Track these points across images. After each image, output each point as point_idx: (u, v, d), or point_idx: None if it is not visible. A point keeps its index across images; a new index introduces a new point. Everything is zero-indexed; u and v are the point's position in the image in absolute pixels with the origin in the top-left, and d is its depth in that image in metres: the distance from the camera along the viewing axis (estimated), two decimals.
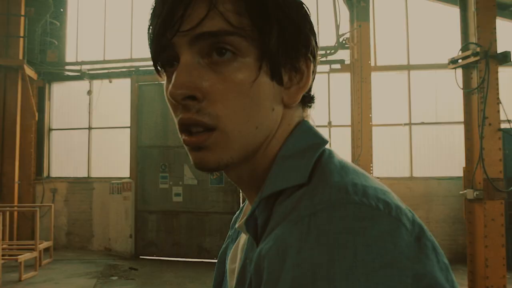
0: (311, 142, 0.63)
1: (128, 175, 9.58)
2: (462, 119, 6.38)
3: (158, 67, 0.63)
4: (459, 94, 6.50)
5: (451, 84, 6.45)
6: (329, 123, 9.29)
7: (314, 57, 0.66)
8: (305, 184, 0.56)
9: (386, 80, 9.31)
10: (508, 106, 8.61)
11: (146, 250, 9.28)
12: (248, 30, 0.57)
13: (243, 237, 0.72)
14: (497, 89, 5.85)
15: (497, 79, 5.88)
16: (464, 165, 6.16)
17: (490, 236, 5.55)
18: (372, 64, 9.14)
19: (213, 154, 0.60)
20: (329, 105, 9.35)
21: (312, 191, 0.54)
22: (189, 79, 0.57)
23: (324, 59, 9.27)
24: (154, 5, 0.61)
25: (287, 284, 0.46)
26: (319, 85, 9.17)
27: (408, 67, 9.24)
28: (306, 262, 0.46)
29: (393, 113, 9.24)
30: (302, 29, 0.63)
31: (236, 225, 0.75)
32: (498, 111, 5.84)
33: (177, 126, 0.61)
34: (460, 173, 7.51)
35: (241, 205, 0.81)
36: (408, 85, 9.23)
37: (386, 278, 0.45)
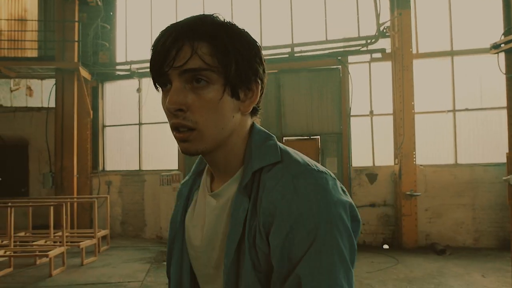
0: (266, 136, 0.99)
1: (176, 167, 10.08)
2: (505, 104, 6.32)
3: (157, 85, 0.95)
4: (504, 79, 6.43)
5: (495, 69, 6.38)
6: (371, 112, 9.33)
7: (262, 80, 0.97)
8: (280, 161, 0.92)
9: (428, 67, 9.21)
10: None
11: None
12: (217, 66, 0.88)
13: (203, 201, 1.02)
14: None
15: None
16: (507, 151, 6.11)
17: None
18: (414, 51, 9.08)
19: (193, 145, 0.91)
20: (370, 94, 9.38)
21: (288, 165, 0.91)
22: (177, 99, 0.88)
23: (364, 48, 9.31)
24: (155, 44, 0.91)
25: (294, 215, 0.83)
26: (360, 75, 9.28)
27: (451, 53, 9.09)
28: (301, 204, 0.84)
29: (436, 100, 9.14)
30: (252, 63, 0.93)
31: (211, 192, 1.01)
32: None
33: (171, 127, 0.93)
34: (505, 159, 7.41)
35: (185, 178, 1.13)
36: (451, 71, 9.09)
37: (342, 205, 0.85)
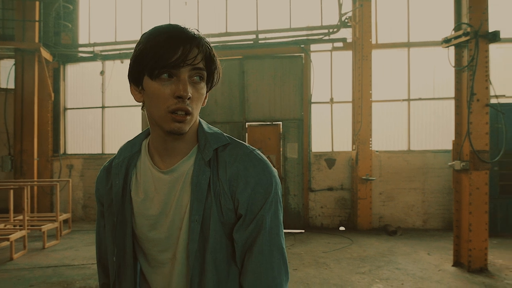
0: (208, 124, 1.27)
1: None
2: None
3: (156, 71, 1.12)
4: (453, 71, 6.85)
5: (447, 61, 6.77)
6: (331, 99, 9.68)
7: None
8: (229, 143, 1.17)
9: (386, 57, 9.62)
10: (503, 82, 8.97)
11: None
12: (205, 69, 1.16)
13: (150, 178, 1.22)
14: (486, 67, 6.20)
15: (486, 57, 6.22)
16: (453, 138, 6.57)
17: (475, 203, 6.01)
18: (373, 42, 9.45)
19: (185, 126, 1.15)
20: (331, 82, 9.71)
21: (238, 146, 1.17)
22: (188, 89, 1.12)
23: (327, 37, 9.60)
24: (162, 40, 1.10)
25: (254, 180, 1.15)
26: (322, 63, 9.56)
27: (408, 45, 9.53)
28: (258, 173, 1.13)
29: (392, 89, 9.58)
30: (219, 70, 1.21)
31: (162, 170, 1.22)
32: (487, 88, 6.20)
33: (169, 109, 1.12)
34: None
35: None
36: (407, 62, 9.54)
37: (276, 174, 1.13)
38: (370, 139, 9.13)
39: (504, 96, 8.64)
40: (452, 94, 8.72)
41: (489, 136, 6.18)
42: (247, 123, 9.67)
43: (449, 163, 6.57)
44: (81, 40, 10.89)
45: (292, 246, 7.68)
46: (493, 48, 8.28)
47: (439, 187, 9.11)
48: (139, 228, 1.23)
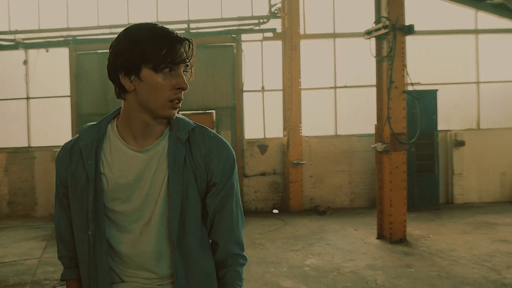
0: None
1: None
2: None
3: (162, 66, 1.31)
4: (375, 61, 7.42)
5: (369, 52, 7.33)
6: (263, 87, 10.01)
7: None
8: (197, 126, 1.40)
9: (314, 47, 10.12)
10: (418, 71, 9.81)
11: None
12: None
13: (123, 156, 1.39)
14: (403, 57, 6.82)
15: (403, 48, 6.83)
16: (375, 123, 7.17)
17: (395, 181, 6.64)
18: (302, 32, 9.88)
19: (176, 112, 1.38)
20: (262, 71, 10.03)
21: (204, 128, 1.41)
22: (186, 81, 1.34)
23: (257, 28, 9.88)
24: (170, 40, 1.30)
25: (224, 157, 1.42)
26: (253, 53, 9.84)
27: (334, 35, 10.08)
28: (225, 151, 1.43)
29: (320, 77, 10.12)
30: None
31: (138, 149, 1.40)
32: (403, 76, 6.83)
33: (169, 98, 1.32)
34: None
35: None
36: (334, 52, 10.10)
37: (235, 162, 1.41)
38: (300, 125, 9.60)
39: (419, 83, 9.42)
40: (374, 82, 9.42)
41: (406, 120, 6.83)
42: (180, 112, 9.71)
43: (372, 145, 7.17)
44: (1, 27, 10.26)
45: None
46: (409, 39, 9.01)
47: (364, 168, 9.83)
48: (112, 203, 1.39)
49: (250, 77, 9.92)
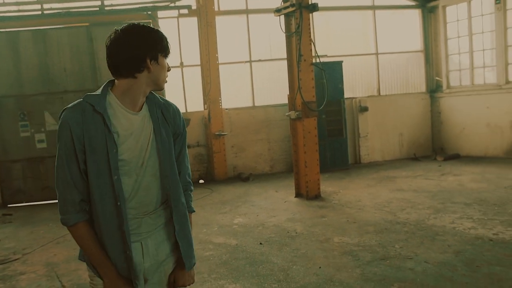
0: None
1: None
2: None
3: (166, 53, 1.86)
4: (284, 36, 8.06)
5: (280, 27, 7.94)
6: (181, 63, 10.30)
7: None
8: (160, 97, 1.94)
9: (229, 23, 10.55)
10: (326, 43, 10.67)
11: (14, 198, 9.51)
12: None
13: (126, 119, 1.84)
14: (309, 32, 7.52)
15: (309, 25, 7.53)
16: (288, 93, 7.88)
17: (308, 145, 7.43)
18: (216, 9, 10.24)
19: None
20: (180, 47, 10.30)
21: (161, 97, 1.93)
22: None
23: (172, 4, 10.07)
24: (166, 39, 1.84)
25: (182, 117, 2.03)
26: (170, 29, 10.05)
27: (247, 12, 10.57)
28: (179, 113, 2.02)
29: (236, 52, 10.61)
30: None
31: (131, 114, 1.87)
32: (311, 50, 7.55)
33: (166, 75, 1.88)
34: None
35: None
36: (247, 28, 10.62)
37: None
38: (220, 98, 10.09)
39: (326, 55, 10.30)
40: (285, 56, 10.12)
41: (315, 90, 7.60)
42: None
43: (286, 114, 7.89)
44: None
45: None
46: (316, 15, 9.78)
47: (281, 136, 10.62)
48: (120, 152, 1.79)
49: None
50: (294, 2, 7.31)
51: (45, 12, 9.62)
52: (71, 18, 9.60)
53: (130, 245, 1.82)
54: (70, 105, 1.80)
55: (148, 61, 1.77)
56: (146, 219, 1.88)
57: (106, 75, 9.78)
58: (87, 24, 9.69)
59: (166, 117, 1.93)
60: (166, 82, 1.92)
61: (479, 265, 4.17)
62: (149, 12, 9.93)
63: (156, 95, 1.95)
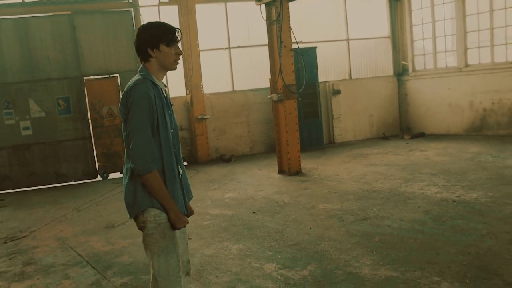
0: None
1: None
2: (267, 42, 8.53)
3: (171, 43, 2.42)
4: (265, 23, 8.57)
5: (259, 15, 8.43)
6: None
7: None
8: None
9: (209, 11, 10.95)
10: (301, 30, 11.23)
11: (1, 185, 9.71)
12: None
13: (162, 88, 2.47)
14: (289, 21, 8.07)
15: (288, 13, 8.07)
16: (269, 77, 8.43)
17: (289, 125, 8.04)
18: None
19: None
20: None
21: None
22: (181, 50, 2.48)
23: None
24: (170, 27, 2.39)
25: None
26: (151, 17, 10.46)
27: (225, 0, 11.00)
28: None
29: (216, 39, 11.05)
30: None
31: (164, 90, 2.52)
32: (290, 37, 8.11)
33: (175, 59, 2.47)
34: (268, 84, 9.91)
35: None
36: (226, 15, 11.05)
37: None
38: (201, 83, 10.54)
39: (301, 42, 10.81)
40: (263, 42, 10.62)
41: (294, 74, 8.19)
42: (84, 78, 10.03)
43: (268, 96, 8.45)
44: None
45: None
46: (291, 3, 10.31)
47: (260, 119, 11.20)
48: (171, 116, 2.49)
49: None
50: None
51: (27, 0, 9.77)
52: (53, 7, 9.79)
53: (185, 182, 2.57)
54: (139, 81, 2.34)
55: (149, 50, 2.37)
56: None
57: (90, 62, 10.18)
58: (69, 12, 9.90)
59: (167, 96, 2.54)
60: (177, 63, 2.43)
61: (444, 220, 4.91)
62: (130, 1, 10.22)
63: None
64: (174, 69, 2.49)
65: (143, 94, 2.28)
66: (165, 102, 2.42)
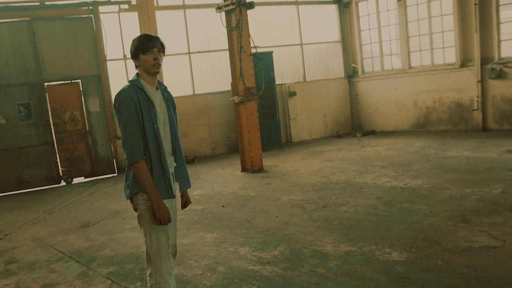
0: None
1: None
2: (227, 47, 9.01)
3: (145, 51, 2.81)
4: (224, 29, 9.05)
5: (219, 22, 8.90)
6: (125, 56, 10.87)
7: None
8: (162, 82, 3.04)
9: (168, 17, 11.28)
10: (258, 35, 11.77)
11: None
12: None
13: (155, 95, 2.87)
14: (247, 27, 8.59)
15: (247, 20, 8.59)
16: (231, 81, 8.91)
17: (251, 125, 8.56)
18: (156, 4, 10.92)
19: (159, 70, 2.88)
20: (122, 41, 10.86)
21: (166, 87, 3.04)
22: (158, 56, 2.86)
23: (113, 0, 10.60)
24: (149, 37, 2.82)
25: (173, 98, 3.12)
26: (113, 24, 10.67)
27: (184, 7, 11.38)
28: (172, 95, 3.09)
29: (177, 45, 11.40)
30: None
31: (154, 91, 2.90)
32: (249, 42, 8.63)
33: (153, 63, 2.80)
34: (228, 87, 10.42)
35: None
36: (185, 22, 11.43)
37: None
38: None
39: (258, 47, 11.40)
40: (222, 47, 11.13)
41: (254, 77, 8.72)
42: (45, 84, 10.10)
43: (230, 99, 8.93)
44: None
45: (114, 185, 9.06)
46: (258, 9, 10.86)
47: (220, 121, 11.65)
48: (158, 116, 2.82)
49: (112, 47, 10.69)
50: (234, 0, 8.32)
51: None
52: (11, 13, 9.81)
53: (168, 171, 2.85)
54: (125, 87, 2.81)
55: (134, 60, 2.83)
56: (168, 157, 2.92)
57: (51, 68, 10.38)
58: (28, 18, 9.95)
59: (168, 97, 2.96)
60: (156, 68, 2.76)
61: (393, 204, 5.59)
62: (90, 7, 10.39)
63: (161, 82, 2.96)
64: (155, 72, 2.79)
65: (126, 97, 2.72)
66: (147, 104, 2.77)
